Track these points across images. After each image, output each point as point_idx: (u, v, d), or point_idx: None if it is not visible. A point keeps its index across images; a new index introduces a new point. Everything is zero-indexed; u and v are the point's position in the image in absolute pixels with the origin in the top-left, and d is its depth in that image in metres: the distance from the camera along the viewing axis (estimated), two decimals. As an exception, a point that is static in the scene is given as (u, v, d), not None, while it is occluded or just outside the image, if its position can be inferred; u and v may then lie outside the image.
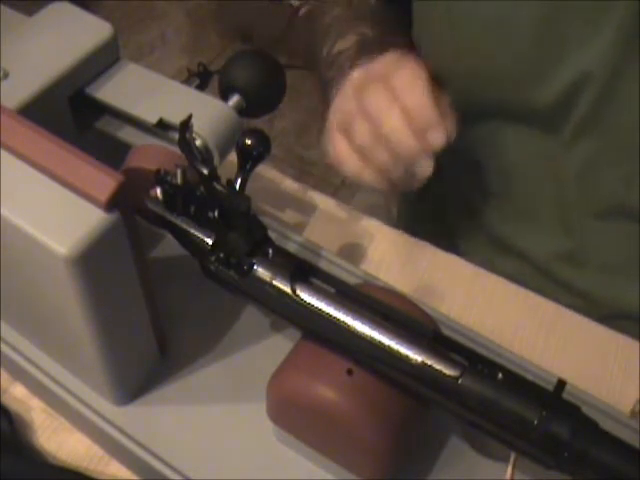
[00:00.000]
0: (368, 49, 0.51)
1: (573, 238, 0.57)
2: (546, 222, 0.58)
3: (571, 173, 0.53)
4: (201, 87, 0.47)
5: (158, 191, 0.40)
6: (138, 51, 1.69)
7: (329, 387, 0.37)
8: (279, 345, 0.44)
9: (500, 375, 0.35)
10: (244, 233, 0.39)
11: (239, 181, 0.38)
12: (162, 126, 0.44)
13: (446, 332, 0.42)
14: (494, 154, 0.57)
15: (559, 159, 0.53)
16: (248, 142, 0.38)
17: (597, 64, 0.48)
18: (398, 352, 0.36)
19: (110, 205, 0.34)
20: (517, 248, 0.60)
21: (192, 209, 0.40)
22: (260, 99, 0.47)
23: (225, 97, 0.46)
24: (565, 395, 0.35)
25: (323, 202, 0.57)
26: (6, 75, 0.42)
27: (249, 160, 0.38)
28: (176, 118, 0.42)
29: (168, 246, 0.49)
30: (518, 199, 0.58)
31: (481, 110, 0.54)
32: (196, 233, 0.40)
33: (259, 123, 0.42)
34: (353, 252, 0.54)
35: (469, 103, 0.52)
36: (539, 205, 0.57)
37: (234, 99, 0.46)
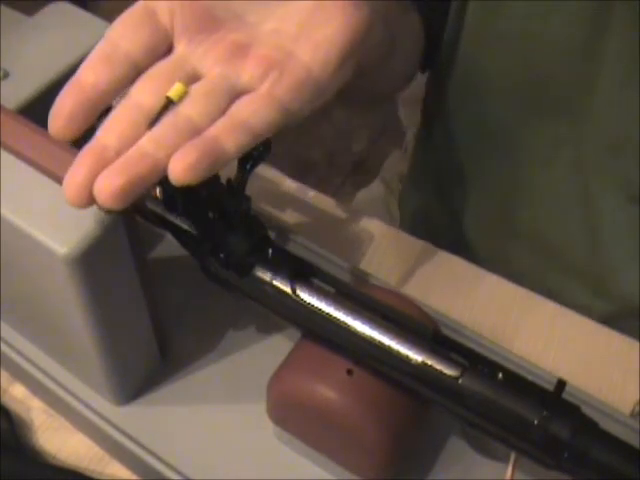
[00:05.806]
0: None
1: (591, 224, 0.56)
2: (565, 207, 0.57)
3: (592, 159, 0.53)
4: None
5: (158, 191, 0.40)
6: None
7: (329, 387, 0.37)
8: (279, 345, 0.44)
9: (500, 375, 0.35)
10: (244, 233, 0.39)
11: (239, 181, 0.38)
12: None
13: (446, 332, 0.42)
14: (518, 143, 0.56)
15: (582, 144, 0.53)
16: (248, 142, 0.38)
17: None
18: (398, 352, 0.36)
19: (110, 205, 0.34)
20: (530, 233, 0.59)
21: (192, 209, 0.40)
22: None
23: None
24: (565, 395, 0.35)
25: (323, 202, 0.57)
26: (6, 75, 0.42)
27: (249, 160, 0.38)
28: (176, 118, 0.42)
29: (168, 246, 0.49)
30: (538, 186, 0.58)
31: (512, 98, 0.53)
32: (196, 233, 0.40)
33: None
34: (353, 252, 0.54)
35: (502, 91, 0.51)
36: (560, 191, 0.57)
37: (234, 99, 0.45)
